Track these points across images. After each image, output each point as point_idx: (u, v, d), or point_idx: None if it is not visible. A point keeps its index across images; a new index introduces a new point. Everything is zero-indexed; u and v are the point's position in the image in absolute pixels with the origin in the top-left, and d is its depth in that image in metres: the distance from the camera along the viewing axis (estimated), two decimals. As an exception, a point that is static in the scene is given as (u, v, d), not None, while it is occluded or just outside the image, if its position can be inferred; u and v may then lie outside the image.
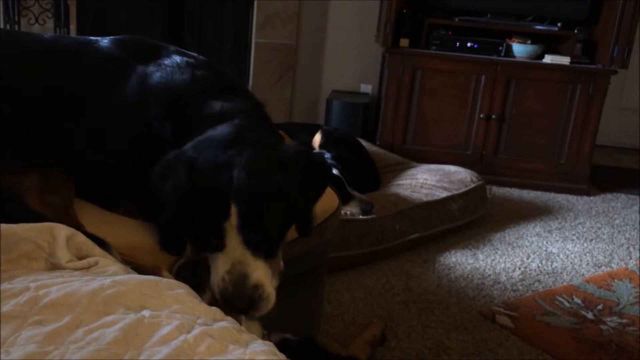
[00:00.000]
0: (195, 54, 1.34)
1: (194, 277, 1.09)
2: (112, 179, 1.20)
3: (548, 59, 3.43)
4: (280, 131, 1.43)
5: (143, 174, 1.13)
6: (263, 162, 1.09)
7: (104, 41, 1.29)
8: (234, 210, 1.04)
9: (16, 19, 3.50)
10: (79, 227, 1.05)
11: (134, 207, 1.20)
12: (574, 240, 2.75)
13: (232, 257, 1.07)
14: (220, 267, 1.08)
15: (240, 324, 0.92)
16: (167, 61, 1.25)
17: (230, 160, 1.07)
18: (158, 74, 1.22)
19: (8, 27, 3.47)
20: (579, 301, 2.14)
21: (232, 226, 1.05)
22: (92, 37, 1.31)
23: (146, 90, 1.20)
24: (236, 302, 1.06)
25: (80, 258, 0.94)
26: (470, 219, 2.75)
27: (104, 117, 1.20)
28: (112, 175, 1.20)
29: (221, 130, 1.13)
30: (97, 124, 1.20)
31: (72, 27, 3.57)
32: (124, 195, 1.21)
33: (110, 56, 1.26)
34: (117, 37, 1.32)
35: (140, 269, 1.04)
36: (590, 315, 2.05)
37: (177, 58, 1.27)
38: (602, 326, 1.98)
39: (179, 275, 1.09)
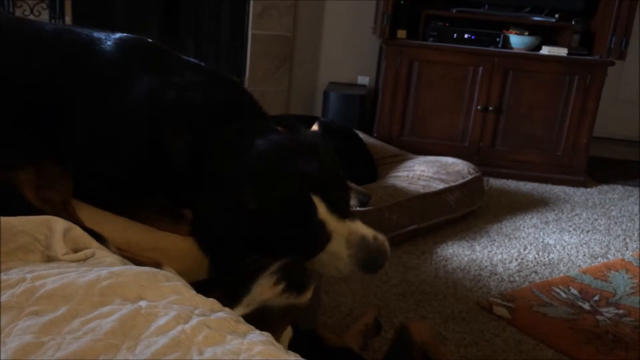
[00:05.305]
0: (199, 63, 1.31)
1: (296, 279, 1.08)
2: (106, 186, 1.19)
3: (545, 50, 3.42)
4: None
5: (144, 188, 1.14)
6: (303, 148, 1.18)
7: (108, 42, 1.24)
8: (317, 199, 1.10)
9: (11, 10, 3.47)
10: (77, 222, 1.04)
11: (129, 212, 1.20)
12: (570, 231, 2.76)
13: (342, 235, 1.13)
14: (340, 253, 1.13)
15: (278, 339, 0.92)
16: (176, 79, 1.22)
17: (286, 169, 1.12)
18: (171, 96, 1.19)
19: (3, 18, 3.44)
20: (575, 292, 2.15)
21: (324, 213, 1.11)
22: (95, 34, 1.25)
23: (158, 112, 1.18)
24: (376, 262, 1.14)
25: (76, 251, 0.94)
26: (468, 211, 2.76)
27: (105, 126, 1.18)
28: (107, 183, 1.19)
29: (254, 159, 1.15)
30: (95, 131, 1.18)
31: (67, 19, 3.54)
32: (118, 201, 1.20)
33: (112, 61, 1.21)
34: (122, 37, 1.25)
35: (140, 265, 1.03)
36: (586, 306, 2.06)
37: (187, 75, 1.24)
38: (598, 317, 1.99)
39: (280, 276, 1.07)
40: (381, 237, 1.16)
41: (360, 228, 1.15)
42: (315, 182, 1.11)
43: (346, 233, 1.13)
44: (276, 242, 1.11)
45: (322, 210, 1.11)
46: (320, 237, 1.12)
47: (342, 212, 1.15)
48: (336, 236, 1.13)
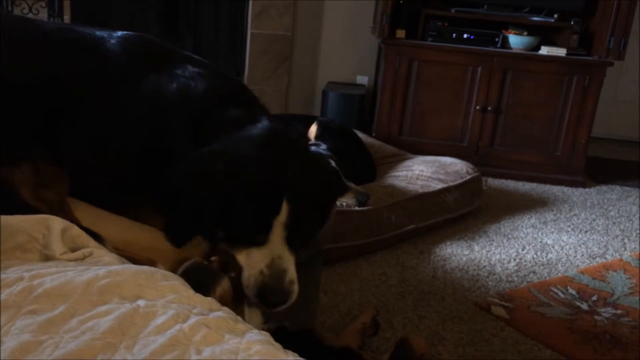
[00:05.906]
0: (201, 59, 1.31)
1: (201, 280, 1.06)
2: (107, 185, 1.19)
3: (544, 50, 3.42)
4: None
5: (150, 182, 1.14)
6: (309, 164, 1.13)
7: (112, 41, 1.23)
8: (285, 207, 1.05)
9: (9, 8, 3.47)
10: (74, 222, 1.04)
11: (130, 211, 1.19)
12: (569, 231, 2.76)
13: (272, 252, 1.07)
14: (257, 261, 1.08)
15: (244, 314, 0.91)
16: (179, 71, 1.22)
17: (278, 158, 1.08)
18: (174, 87, 1.19)
19: (1, 17, 3.42)
20: (573, 292, 2.15)
21: (280, 223, 1.05)
22: (98, 33, 1.24)
23: (162, 104, 1.18)
24: (274, 297, 1.07)
25: (74, 250, 0.93)
26: (466, 211, 2.76)
27: (110, 125, 1.17)
28: (110, 181, 1.19)
29: (252, 131, 1.13)
30: (100, 130, 1.17)
31: (66, 17, 3.53)
32: (119, 200, 1.20)
33: (116, 60, 1.21)
34: (124, 35, 1.25)
35: (135, 263, 1.03)
36: (584, 306, 2.06)
37: (189, 68, 1.23)
38: (596, 317, 1.99)
39: (184, 278, 1.06)
40: (296, 288, 1.11)
41: (290, 265, 1.09)
42: (296, 193, 1.05)
43: (278, 254, 1.07)
44: (224, 210, 1.06)
45: (281, 220, 1.06)
46: (257, 233, 1.07)
47: (294, 241, 1.09)
48: (268, 247, 1.07)
